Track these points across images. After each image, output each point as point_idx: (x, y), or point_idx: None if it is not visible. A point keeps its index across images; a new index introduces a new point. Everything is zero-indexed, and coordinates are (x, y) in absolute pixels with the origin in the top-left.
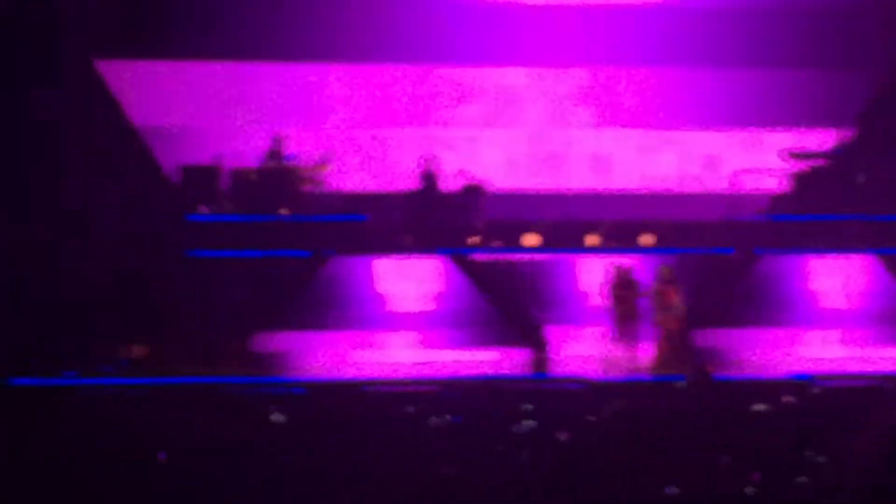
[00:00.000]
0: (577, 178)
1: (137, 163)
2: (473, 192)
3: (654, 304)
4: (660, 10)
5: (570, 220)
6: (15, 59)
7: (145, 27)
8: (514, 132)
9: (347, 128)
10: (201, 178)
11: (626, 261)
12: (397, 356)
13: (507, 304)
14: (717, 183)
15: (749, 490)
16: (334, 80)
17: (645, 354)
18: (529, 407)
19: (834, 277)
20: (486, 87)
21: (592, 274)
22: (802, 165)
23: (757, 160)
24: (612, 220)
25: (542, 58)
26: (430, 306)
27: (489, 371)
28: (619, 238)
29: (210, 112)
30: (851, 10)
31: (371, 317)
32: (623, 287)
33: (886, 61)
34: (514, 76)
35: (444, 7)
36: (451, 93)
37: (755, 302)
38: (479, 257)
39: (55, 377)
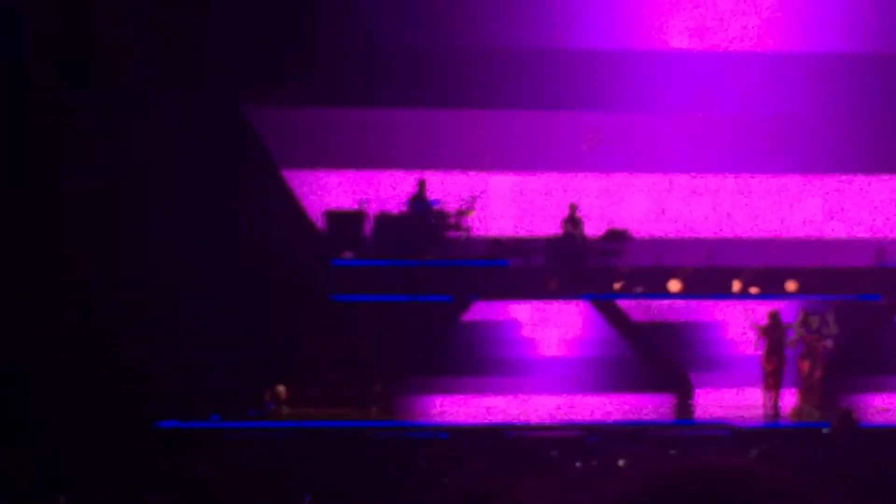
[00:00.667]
0: (719, 225)
1: (284, 208)
2: (617, 238)
3: (801, 352)
4: (808, 58)
5: (714, 267)
6: (165, 101)
7: (292, 73)
8: (656, 177)
9: (492, 173)
10: (346, 223)
11: (776, 306)
12: (540, 401)
13: (651, 349)
14: (861, 229)
15: None
16: (479, 126)
17: (790, 401)
18: (673, 452)
19: None
20: (629, 133)
21: (736, 320)
22: None
23: None
24: (757, 266)
25: (686, 103)
26: (574, 351)
27: (633, 416)
28: (763, 284)
29: (356, 157)
30: None
31: (514, 361)
32: (773, 332)
33: None
34: (654, 121)
35: (585, 55)
36: (594, 137)
37: None
38: (623, 303)
39: (201, 420)
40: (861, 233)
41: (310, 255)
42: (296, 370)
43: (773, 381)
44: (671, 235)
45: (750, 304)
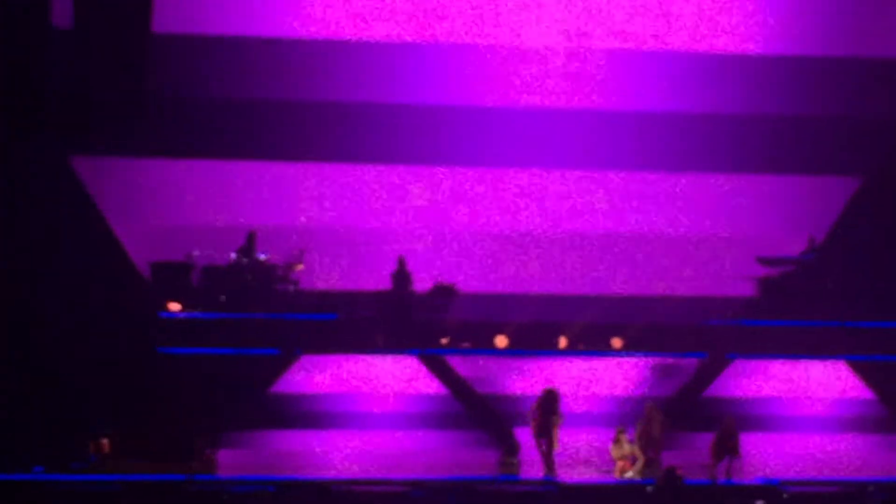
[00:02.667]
0: (548, 281)
1: (110, 259)
2: (445, 293)
3: (638, 437)
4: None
5: (541, 322)
6: None
7: (119, 124)
8: (487, 230)
9: (320, 226)
10: (173, 274)
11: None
12: (367, 455)
13: (478, 405)
14: (687, 286)
15: None
16: (308, 178)
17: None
18: None
19: (804, 383)
20: (473, 188)
21: (567, 375)
22: (773, 271)
23: (727, 265)
24: (583, 322)
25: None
26: (402, 407)
27: (460, 472)
28: (589, 341)
29: (183, 208)
30: (828, 118)
31: (342, 415)
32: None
33: (860, 168)
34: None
35: (413, 110)
36: (430, 194)
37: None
38: (452, 358)
39: (24, 472)
40: (686, 291)
41: (136, 307)
42: (122, 422)
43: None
44: (502, 292)
45: (577, 360)
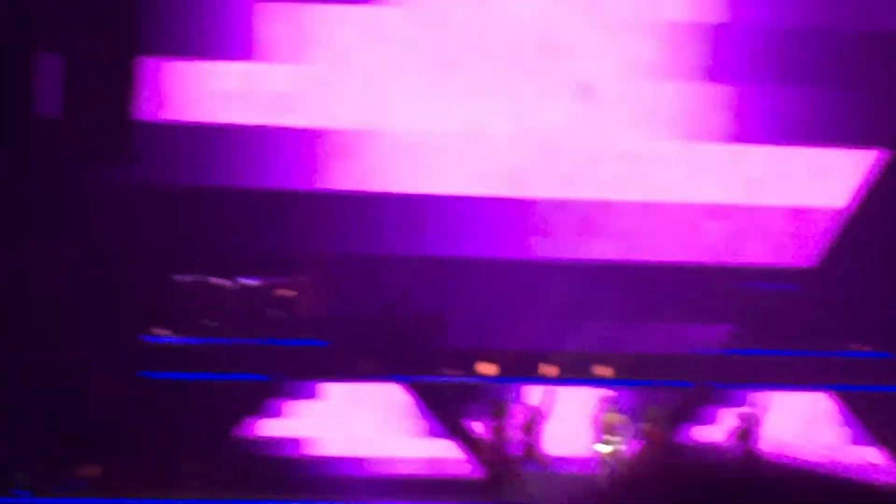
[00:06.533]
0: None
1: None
2: (432, 320)
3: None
4: None
5: (527, 350)
6: None
7: None
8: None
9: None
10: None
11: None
12: None
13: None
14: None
15: None
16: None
17: None
18: None
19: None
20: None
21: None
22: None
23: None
24: (568, 350)
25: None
26: (388, 431)
27: None
28: (576, 369)
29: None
30: None
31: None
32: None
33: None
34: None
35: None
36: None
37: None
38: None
39: (9, 497)
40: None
41: (119, 331)
42: (106, 447)
43: None
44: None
45: (564, 387)
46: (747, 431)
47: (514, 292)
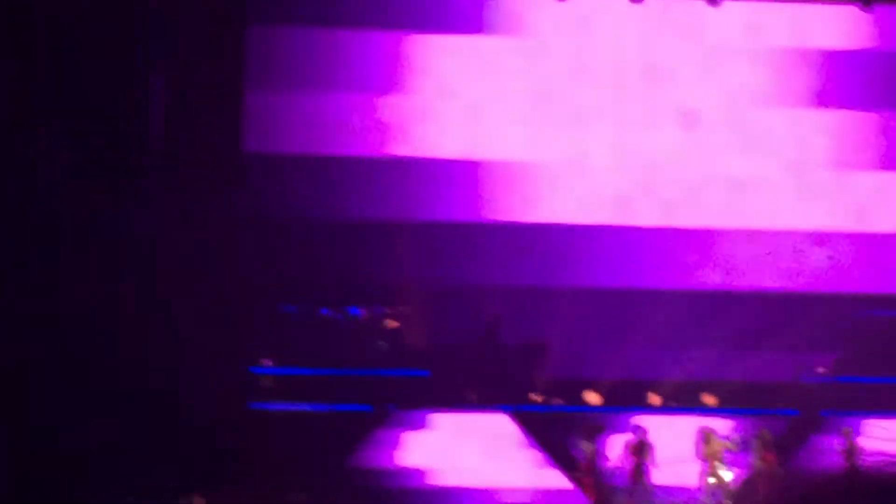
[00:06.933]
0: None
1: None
2: (536, 349)
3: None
4: None
5: (631, 379)
6: None
7: None
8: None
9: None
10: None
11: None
12: None
13: (568, 460)
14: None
15: None
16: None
17: None
18: None
19: None
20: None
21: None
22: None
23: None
24: (674, 379)
25: None
26: (492, 461)
27: None
28: (681, 398)
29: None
30: None
31: (434, 471)
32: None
33: None
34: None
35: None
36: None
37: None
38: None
39: None
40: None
41: (229, 362)
42: (215, 478)
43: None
44: (593, 348)
45: (669, 416)
46: (852, 450)
47: (620, 321)
